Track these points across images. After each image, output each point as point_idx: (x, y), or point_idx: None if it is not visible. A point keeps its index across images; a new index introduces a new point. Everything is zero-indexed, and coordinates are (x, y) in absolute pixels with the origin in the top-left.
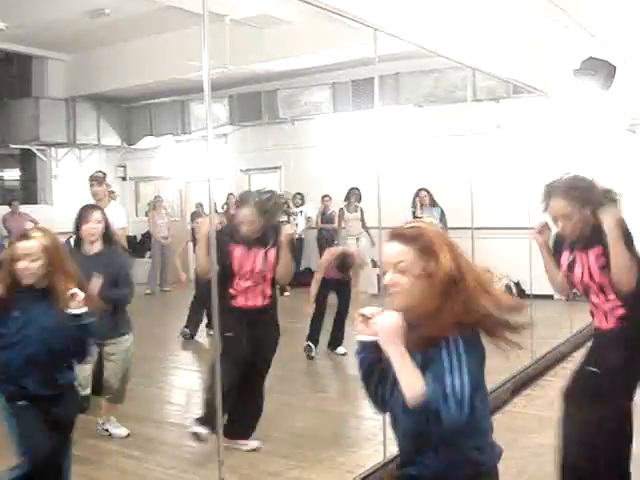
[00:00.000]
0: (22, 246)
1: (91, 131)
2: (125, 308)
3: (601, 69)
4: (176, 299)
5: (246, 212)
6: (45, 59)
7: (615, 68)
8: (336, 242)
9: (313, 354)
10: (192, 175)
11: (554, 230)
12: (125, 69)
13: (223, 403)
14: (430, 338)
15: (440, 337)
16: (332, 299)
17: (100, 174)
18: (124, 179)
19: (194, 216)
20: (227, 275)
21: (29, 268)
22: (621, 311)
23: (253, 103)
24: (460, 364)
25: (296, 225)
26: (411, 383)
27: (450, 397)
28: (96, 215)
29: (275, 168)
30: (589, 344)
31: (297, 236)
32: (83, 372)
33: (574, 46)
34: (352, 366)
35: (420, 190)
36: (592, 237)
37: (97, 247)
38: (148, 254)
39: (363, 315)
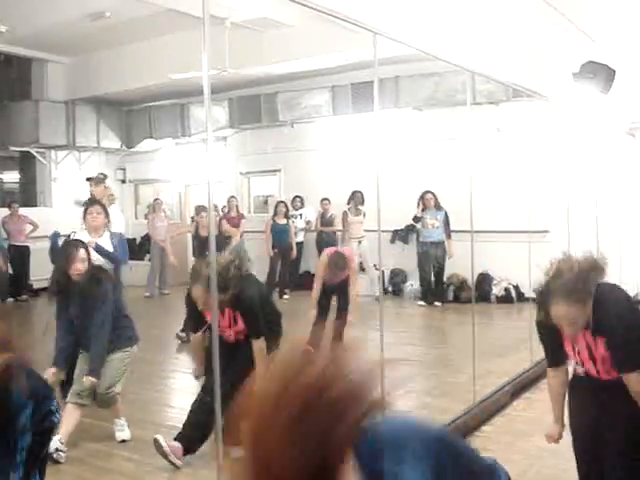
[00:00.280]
0: None
1: (91, 134)
2: (129, 324)
3: (600, 73)
4: (175, 302)
5: (197, 292)
6: (45, 62)
7: (614, 72)
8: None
9: None
10: (192, 178)
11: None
12: (125, 72)
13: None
14: None
15: None
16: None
17: (100, 176)
18: (124, 182)
19: (199, 210)
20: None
21: None
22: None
23: (253, 106)
24: None
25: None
26: None
27: None
28: (81, 254)
29: (275, 171)
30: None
31: (296, 240)
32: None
33: (573, 50)
34: None
35: (426, 192)
36: (596, 326)
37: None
38: (147, 257)
39: None
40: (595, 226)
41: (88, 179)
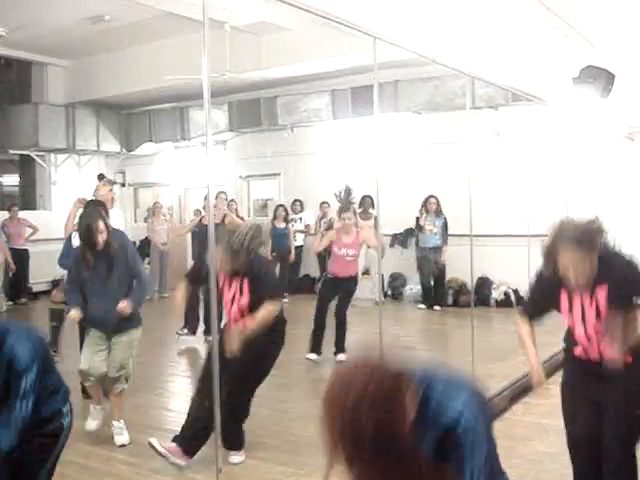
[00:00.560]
0: None
1: (90, 137)
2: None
3: (600, 77)
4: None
5: (218, 253)
6: (45, 65)
7: (614, 76)
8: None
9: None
10: (191, 181)
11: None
12: (125, 75)
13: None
14: None
15: None
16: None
17: (108, 179)
18: (123, 185)
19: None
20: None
21: None
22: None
23: (252, 110)
24: None
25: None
26: None
27: None
28: (100, 225)
29: (274, 175)
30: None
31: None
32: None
33: (573, 54)
34: None
35: (430, 197)
36: (599, 276)
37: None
38: (147, 260)
39: None
40: None
41: (100, 176)
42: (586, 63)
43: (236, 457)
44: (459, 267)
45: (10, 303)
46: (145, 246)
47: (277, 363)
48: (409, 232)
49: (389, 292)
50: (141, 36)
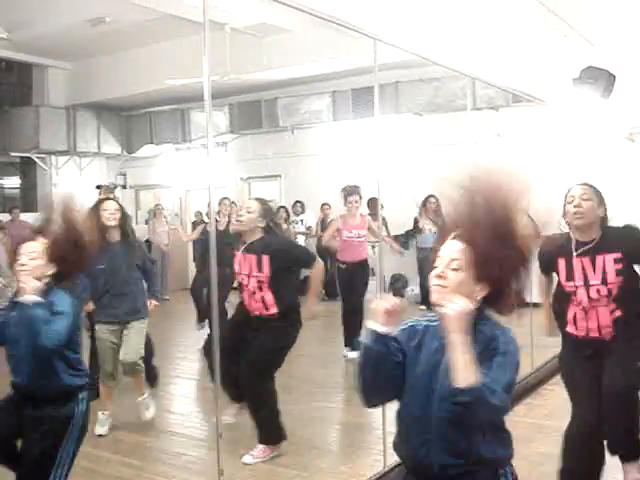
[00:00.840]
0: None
1: (91, 139)
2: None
3: (601, 78)
4: (176, 307)
5: (249, 204)
6: (46, 67)
7: (615, 77)
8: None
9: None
10: (192, 183)
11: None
12: (125, 77)
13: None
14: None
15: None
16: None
17: (111, 185)
18: (124, 187)
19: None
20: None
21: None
22: (619, 313)
23: (253, 111)
24: (512, 358)
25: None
26: (467, 369)
27: (502, 387)
28: (112, 205)
29: (275, 176)
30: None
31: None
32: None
33: (573, 55)
34: (354, 375)
35: (430, 196)
36: (608, 241)
37: (117, 236)
38: None
39: (384, 306)
40: None
41: (98, 187)
42: (586, 64)
43: (248, 457)
44: None
45: None
46: (146, 248)
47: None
48: (410, 233)
49: (390, 294)
50: (142, 38)
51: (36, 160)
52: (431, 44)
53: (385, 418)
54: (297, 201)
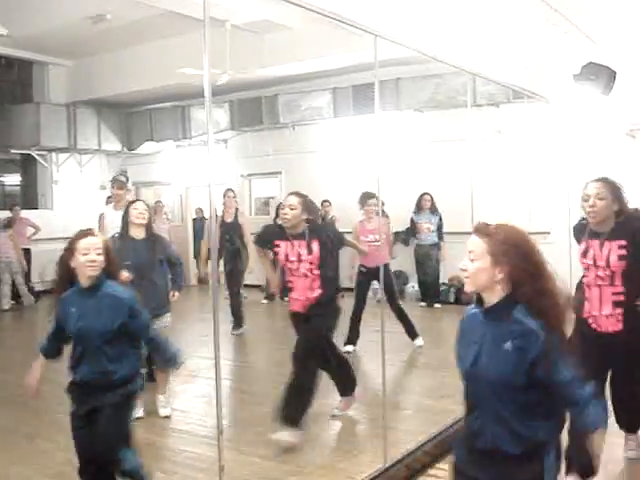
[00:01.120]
0: (88, 241)
1: (92, 136)
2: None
3: (601, 74)
4: (176, 305)
5: (291, 201)
6: (46, 65)
7: (615, 73)
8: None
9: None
10: (192, 180)
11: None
12: (126, 75)
13: None
14: None
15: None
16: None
17: (122, 178)
18: None
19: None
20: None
21: (96, 260)
22: (622, 297)
23: (254, 108)
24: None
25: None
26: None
27: (579, 380)
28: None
29: (275, 173)
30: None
31: None
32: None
33: (574, 51)
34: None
35: (424, 194)
36: (617, 231)
37: (143, 234)
38: None
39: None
40: None
41: (112, 181)
42: (587, 60)
43: (284, 433)
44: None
45: (13, 302)
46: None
47: (279, 363)
48: (410, 230)
49: None
50: (142, 35)
51: (37, 157)
52: (432, 40)
53: (385, 415)
54: None
